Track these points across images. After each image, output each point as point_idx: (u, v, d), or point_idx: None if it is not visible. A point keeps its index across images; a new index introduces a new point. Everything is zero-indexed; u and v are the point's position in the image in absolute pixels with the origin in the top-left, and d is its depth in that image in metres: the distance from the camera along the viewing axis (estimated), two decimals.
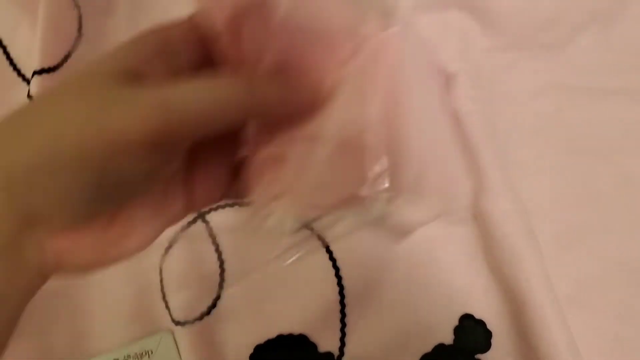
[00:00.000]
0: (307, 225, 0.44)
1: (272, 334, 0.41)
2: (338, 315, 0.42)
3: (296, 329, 0.42)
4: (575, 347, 0.38)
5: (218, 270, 0.43)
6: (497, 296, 0.42)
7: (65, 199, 0.19)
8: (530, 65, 0.49)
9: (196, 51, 0.22)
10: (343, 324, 0.42)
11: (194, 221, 0.44)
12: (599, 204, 0.44)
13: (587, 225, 0.43)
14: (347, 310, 0.42)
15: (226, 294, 0.42)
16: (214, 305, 0.42)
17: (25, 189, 0.18)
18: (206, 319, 0.42)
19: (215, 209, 0.45)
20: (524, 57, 0.49)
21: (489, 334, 0.42)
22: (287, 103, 0.22)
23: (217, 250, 0.44)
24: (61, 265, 0.20)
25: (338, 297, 0.42)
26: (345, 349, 0.41)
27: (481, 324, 0.42)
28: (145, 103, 0.18)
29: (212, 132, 0.20)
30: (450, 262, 0.43)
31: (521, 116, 0.47)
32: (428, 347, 0.41)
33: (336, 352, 0.41)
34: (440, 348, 0.41)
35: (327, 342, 0.41)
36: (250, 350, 0.41)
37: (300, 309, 0.42)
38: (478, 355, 0.41)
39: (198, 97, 0.19)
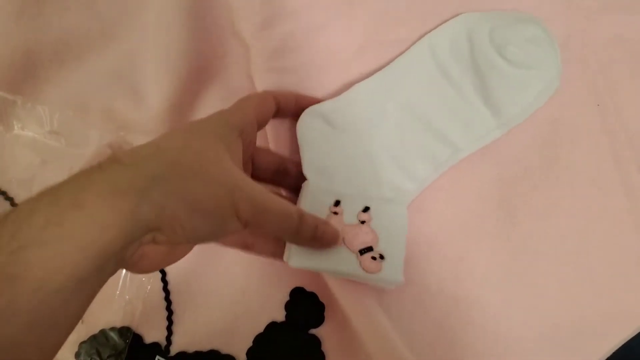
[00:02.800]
0: None
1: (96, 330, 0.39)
2: (163, 304, 0.40)
3: (119, 323, 0.39)
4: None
5: None
6: None
7: (185, 228, 0.24)
8: None
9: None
10: (170, 312, 0.40)
11: None
12: None
13: None
14: (172, 298, 0.40)
15: None
16: None
17: (161, 202, 0.23)
18: None
19: None
20: None
21: (321, 307, 0.39)
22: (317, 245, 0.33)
23: None
24: (137, 266, 0.25)
25: (162, 285, 0.40)
26: (173, 338, 0.39)
27: (313, 296, 0.39)
28: (249, 196, 0.26)
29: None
30: None
31: None
32: (260, 327, 0.39)
33: (163, 342, 0.39)
34: (272, 326, 0.39)
35: (154, 333, 0.39)
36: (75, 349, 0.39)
37: (124, 302, 0.40)
38: (312, 331, 0.39)
39: (276, 217, 0.28)
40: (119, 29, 0.44)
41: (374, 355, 0.36)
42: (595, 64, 0.43)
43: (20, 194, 0.41)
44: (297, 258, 0.32)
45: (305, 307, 0.39)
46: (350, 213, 0.35)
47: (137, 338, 0.39)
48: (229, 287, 0.40)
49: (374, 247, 0.34)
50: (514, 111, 0.40)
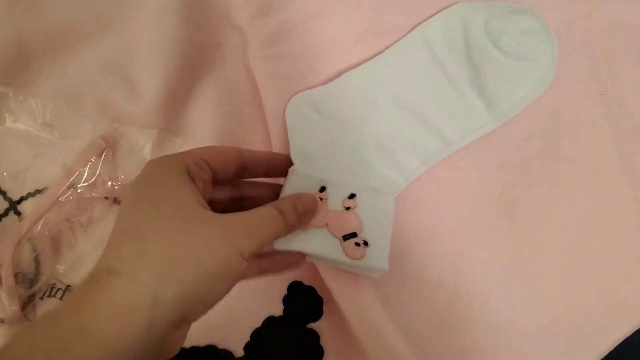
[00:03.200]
0: None
1: None
2: None
3: None
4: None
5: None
6: None
7: (206, 301, 0.25)
8: None
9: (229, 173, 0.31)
10: None
11: (5, 213, 0.41)
12: None
13: None
14: None
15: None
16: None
17: (175, 297, 0.23)
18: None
19: (26, 198, 0.41)
20: None
21: (319, 301, 0.39)
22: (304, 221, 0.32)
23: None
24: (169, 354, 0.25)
25: None
26: None
27: (311, 290, 0.39)
28: (237, 233, 0.26)
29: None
30: None
31: None
32: (258, 322, 0.39)
33: None
34: (270, 321, 0.39)
35: None
36: None
37: None
38: (311, 325, 0.38)
39: (269, 228, 0.28)
40: (113, 20, 0.43)
41: (368, 350, 0.35)
42: (598, 51, 0.43)
43: (12, 187, 0.40)
44: (282, 240, 0.32)
45: (304, 301, 0.39)
46: (335, 199, 0.34)
47: None
48: None
49: (358, 234, 0.33)
50: (508, 104, 0.39)
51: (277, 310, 0.39)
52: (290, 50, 0.40)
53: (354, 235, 0.33)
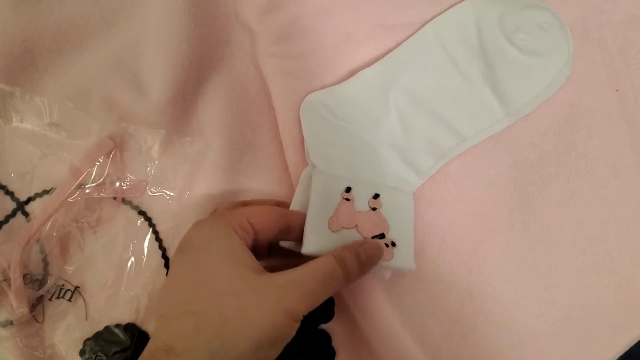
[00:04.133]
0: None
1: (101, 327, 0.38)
2: None
3: (124, 319, 0.38)
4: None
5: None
6: None
7: None
8: None
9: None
10: None
11: (13, 214, 0.40)
12: None
13: None
14: None
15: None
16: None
17: None
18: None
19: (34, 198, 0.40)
20: None
21: (331, 302, 0.38)
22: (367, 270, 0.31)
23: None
24: None
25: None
26: None
27: None
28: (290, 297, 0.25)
29: None
30: None
31: None
32: None
33: None
34: None
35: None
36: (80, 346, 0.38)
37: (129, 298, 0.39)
38: (322, 326, 0.38)
39: (328, 287, 0.27)
40: (119, 17, 0.43)
41: (380, 351, 0.35)
42: (613, 46, 0.42)
43: (20, 188, 0.40)
44: (312, 245, 0.31)
45: None
46: (361, 199, 0.34)
47: (143, 334, 0.38)
48: None
49: (385, 234, 0.33)
50: (522, 100, 0.39)
51: None
52: (299, 48, 0.39)
53: (382, 236, 0.33)
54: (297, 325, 0.26)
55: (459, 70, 0.39)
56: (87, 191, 0.39)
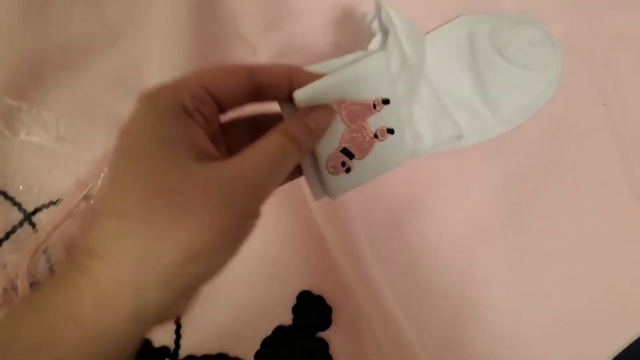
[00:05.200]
0: None
1: None
2: None
3: None
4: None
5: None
6: (332, 269, 0.39)
7: (216, 262, 0.22)
8: None
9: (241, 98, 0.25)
10: (178, 316, 0.40)
11: (20, 224, 0.41)
12: None
13: None
14: None
15: None
16: None
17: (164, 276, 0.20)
18: None
19: (41, 209, 0.42)
20: None
21: (328, 310, 0.39)
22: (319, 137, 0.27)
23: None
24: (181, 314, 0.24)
25: None
26: (181, 342, 0.39)
27: (320, 299, 0.39)
28: (230, 190, 0.21)
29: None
30: (280, 238, 0.40)
31: None
32: (268, 331, 0.39)
33: (172, 346, 0.39)
34: (279, 330, 0.39)
35: (162, 337, 0.39)
36: None
37: None
38: (320, 334, 0.39)
39: (282, 167, 0.23)
40: (124, 34, 0.44)
41: (377, 358, 0.36)
42: (600, 61, 0.43)
43: (27, 199, 0.41)
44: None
45: (313, 310, 0.39)
46: (379, 121, 0.29)
47: (146, 342, 0.39)
48: (236, 291, 0.40)
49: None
50: (512, 108, 0.40)
51: (287, 319, 0.39)
52: (300, 64, 0.40)
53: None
54: (255, 220, 0.22)
55: (453, 80, 0.40)
56: (92, 202, 0.40)
